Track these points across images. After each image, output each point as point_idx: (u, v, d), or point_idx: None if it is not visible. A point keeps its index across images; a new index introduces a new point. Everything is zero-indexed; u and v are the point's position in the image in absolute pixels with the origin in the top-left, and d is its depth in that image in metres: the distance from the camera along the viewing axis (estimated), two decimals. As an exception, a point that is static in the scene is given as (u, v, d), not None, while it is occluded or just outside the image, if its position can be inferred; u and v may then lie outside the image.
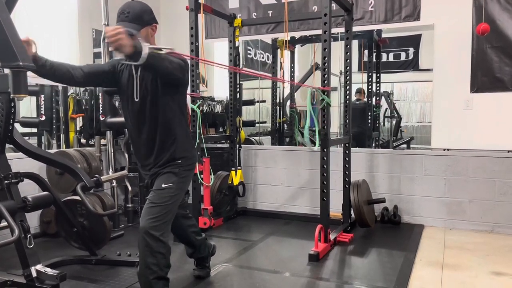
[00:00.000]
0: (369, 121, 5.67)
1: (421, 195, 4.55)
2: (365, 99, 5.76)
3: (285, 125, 6.24)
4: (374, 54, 5.63)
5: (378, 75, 5.68)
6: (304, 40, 5.97)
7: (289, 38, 5.49)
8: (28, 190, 3.21)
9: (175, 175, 2.43)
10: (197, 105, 4.07)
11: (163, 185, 2.39)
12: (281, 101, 6.16)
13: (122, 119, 4.35)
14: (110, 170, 4.53)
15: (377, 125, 5.88)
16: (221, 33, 5.41)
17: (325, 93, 3.61)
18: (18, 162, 3.47)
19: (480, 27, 4.01)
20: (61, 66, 2.39)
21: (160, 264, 2.33)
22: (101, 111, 4.39)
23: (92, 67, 2.54)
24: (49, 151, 4.06)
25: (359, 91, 5.91)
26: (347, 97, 4.32)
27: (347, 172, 4.30)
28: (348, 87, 4.32)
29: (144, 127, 2.43)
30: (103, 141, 4.64)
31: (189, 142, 2.59)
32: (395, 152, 4.76)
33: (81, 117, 4.75)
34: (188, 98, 3.98)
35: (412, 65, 5.97)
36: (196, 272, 3.07)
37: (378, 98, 5.76)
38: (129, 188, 4.58)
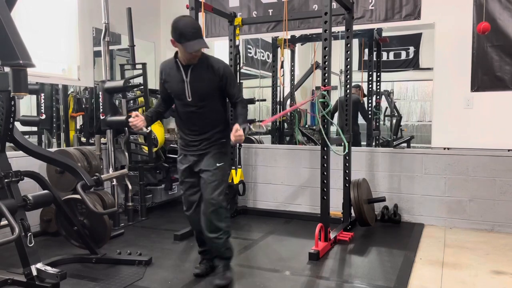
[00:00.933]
0: (369, 118, 5.66)
1: (421, 194, 4.55)
2: (358, 95, 5.72)
3: (286, 124, 6.24)
4: (375, 53, 5.62)
5: (378, 74, 5.67)
6: (304, 39, 5.96)
7: (289, 37, 5.49)
8: (29, 188, 3.21)
9: (225, 154, 2.98)
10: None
11: (217, 164, 2.88)
12: (282, 100, 6.16)
13: (122, 117, 4.36)
14: (110, 168, 4.53)
15: (377, 124, 5.88)
16: (222, 32, 5.40)
17: (326, 92, 3.61)
18: (18, 160, 3.47)
19: (481, 25, 4.01)
20: (157, 114, 3.09)
21: (228, 226, 2.95)
22: (101, 110, 4.39)
23: (162, 99, 3.08)
24: (49, 149, 4.07)
25: (356, 86, 5.87)
26: (347, 96, 4.31)
27: (347, 171, 4.30)
28: (348, 86, 4.31)
29: (197, 112, 2.87)
30: (103, 140, 4.65)
31: (228, 125, 3.02)
32: (395, 151, 4.76)
33: (81, 116, 4.76)
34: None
35: (413, 64, 5.97)
36: (196, 271, 3.11)
37: (378, 97, 5.75)
38: (129, 186, 4.58)
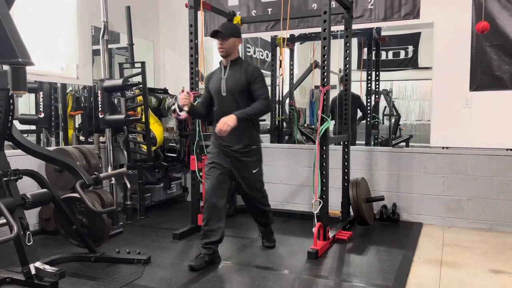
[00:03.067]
0: (368, 117, 5.66)
1: (420, 193, 4.55)
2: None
3: (284, 123, 6.23)
4: (374, 52, 5.62)
5: (377, 73, 5.67)
6: (303, 38, 5.95)
7: (288, 36, 5.48)
8: (27, 187, 3.21)
9: (260, 161, 3.50)
10: (196, 102, 4.06)
11: (253, 171, 3.43)
12: (280, 99, 6.16)
13: (121, 116, 4.36)
14: (109, 167, 4.53)
15: (376, 123, 5.88)
16: (221, 31, 5.39)
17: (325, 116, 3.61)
18: (17, 159, 3.46)
19: (480, 25, 4.01)
20: (201, 111, 3.56)
21: (271, 210, 3.74)
22: (100, 109, 4.38)
23: (205, 98, 3.55)
24: (48, 148, 4.06)
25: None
26: (346, 95, 4.31)
27: (346, 170, 4.30)
28: (347, 85, 4.31)
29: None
30: (102, 139, 4.64)
31: (258, 134, 3.55)
32: (394, 150, 4.77)
33: (80, 115, 4.75)
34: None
35: (412, 63, 5.96)
36: (191, 263, 3.20)
37: (377, 96, 5.75)
38: (128, 185, 4.58)
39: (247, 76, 3.26)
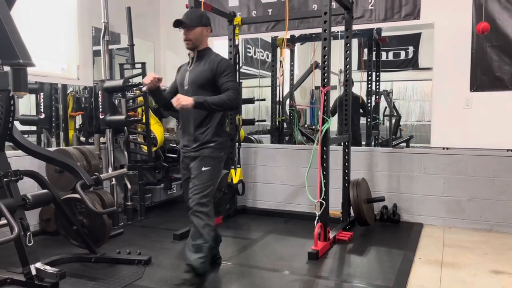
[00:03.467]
0: (368, 118, 5.67)
1: (420, 193, 4.55)
2: (355, 92, 5.73)
3: (285, 124, 6.24)
4: (374, 53, 5.63)
5: (377, 73, 5.68)
6: (304, 39, 5.96)
7: (288, 37, 5.49)
8: (28, 188, 3.21)
9: (212, 159, 2.88)
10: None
11: (203, 169, 2.84)
12: (281, 99, 6.16)
13: (121, 117, 4.36)
14: (110, 168, 4.53)
15: (376, 124, 5.88)
16: (221, 31, 5.40)
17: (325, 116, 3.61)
18: (17, 160, 3.47)
19: (480, 25, 4.01)
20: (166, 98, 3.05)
21: (210, 235, 2.81)
22: (100, 109, 4.38)
23: (171, 89, 3.15)
24: (49, 149, 4.06)
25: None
26: (347, 95, 4.31)
27: (346, 171, 4.30)
28: (347, 86, 4.31)
29: (189, 114, 2.89)
30: (102, 139, 4.64)
31: (223, 129, 3.00)
32: (395, 150, 4.77)
33: (80, 115, 4.75)
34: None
35: (412, 63, 5.97)
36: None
37: (377, 97, 5.76)
38: (129, 186, 4.58)
39: (214, 68, 2.85)
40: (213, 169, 2.88)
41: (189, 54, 3.01)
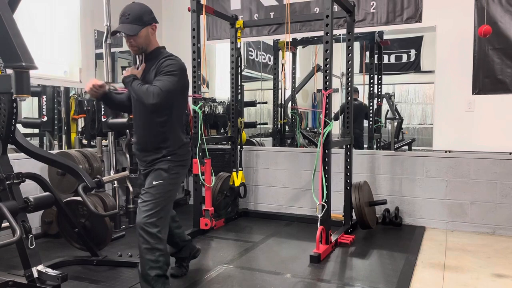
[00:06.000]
0: (370, 122, 5.66)
1: (423, 197, 4.54)
2: (360, 99, 5.74)
3: (287, 127, 6.24)
4: (376, 56, 5.62)
5: (379, 76, 5.67)
6: (305, 42, 5.97)
7: (290, 40, 5.49)
8: (30, 190, 3.22)
9: (165, 171, 2.52)
10: (198, 106, 4.07)
11: (154, 183, 2.49)
12: (283, 102, 6.16)
13: (123, 120, 4.36)
14: (112, 171, 4.54)
15: (378, 127, 5.88)
16: (223, 35, 5.41)
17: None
18: (20, 162, 3.48)
19: (482, 29, 4.01)
20: (122, 101, 2.79)
21: (160, 262, 2.43)
22: (102, 112, 4.39)
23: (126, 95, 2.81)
24: (51, 151, 4.07)
25: (355, 90, 5.87)
26: (349, 98, 4.32)
27: (348, 174, 4.29)
28: (349, 89, 4.31)
29: (140, 124, 2.62)
30: (104, 142, 4.65)
31: (181, 140, 2.61)
32: (397, 153, 4.76)
33: (82, 118, 4.76)
34: (190, 100, 3.99)
35: (414, 66, 5.97)
36: (171, 271, 2.90)
37: (379, 100, 5.75)
38: (131, 189, 4.58)
39: (157, 71, 2.48)
40: (167, 183, 2.52)
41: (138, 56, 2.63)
